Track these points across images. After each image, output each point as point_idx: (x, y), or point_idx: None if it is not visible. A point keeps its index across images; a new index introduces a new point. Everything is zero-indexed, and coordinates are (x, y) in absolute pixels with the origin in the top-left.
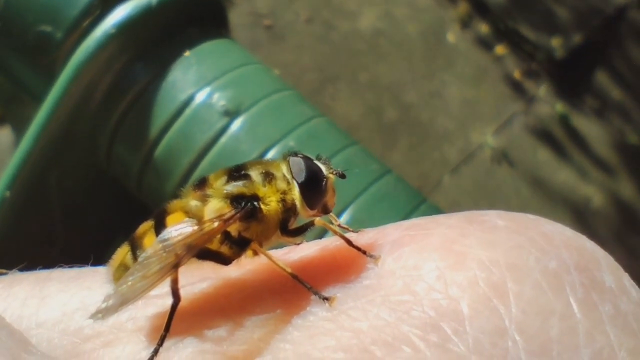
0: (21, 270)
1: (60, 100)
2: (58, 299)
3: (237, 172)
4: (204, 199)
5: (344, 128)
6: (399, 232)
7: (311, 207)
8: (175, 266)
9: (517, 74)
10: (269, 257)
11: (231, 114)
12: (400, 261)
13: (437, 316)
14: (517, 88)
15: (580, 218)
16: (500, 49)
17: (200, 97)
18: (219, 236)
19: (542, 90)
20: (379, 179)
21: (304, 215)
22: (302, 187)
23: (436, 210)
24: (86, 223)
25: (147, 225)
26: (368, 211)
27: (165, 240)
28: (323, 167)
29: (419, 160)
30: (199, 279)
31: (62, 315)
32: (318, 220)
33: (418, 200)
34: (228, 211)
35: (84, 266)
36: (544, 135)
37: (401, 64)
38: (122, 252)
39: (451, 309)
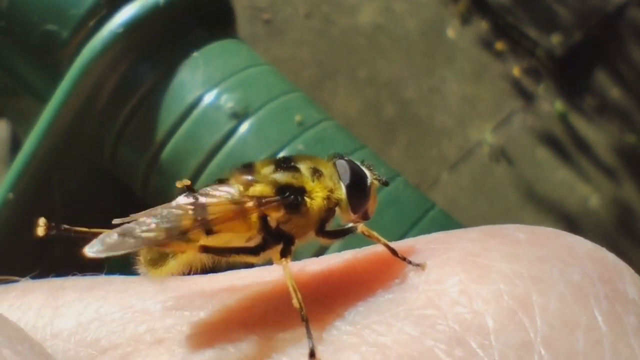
0: (33, 278)
1: (66, 100)
2: (73, 309)
3: (285, 163)
4: (248, 184)
5: (343, 124)
6: (419, 245)
7: (355, 211)
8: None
9: (516, 71)
10: (287, 274)
11: (239, 116)
12: (422, 275)
13: (462, 330)
14: (516, 85)
15: (578, 217)
16: (500, 46)
17: (207, 98)
18: (257, 223)
19: (541, 88)
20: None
21: (345, 218)
22: (349, 189)
23: (445, 216)
24: (89, 225)
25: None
26: (377, 216)
27: (205, 194)
28: (368, 173)
29: (417, 156)
30: (218, 290)
31: (78, 325)
32: (362, 227)
33: (427, 206)
34: (272, 197)
35: (97, 274)
36: (543, 133)
37: (400, 59)
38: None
39: (476, 323)
